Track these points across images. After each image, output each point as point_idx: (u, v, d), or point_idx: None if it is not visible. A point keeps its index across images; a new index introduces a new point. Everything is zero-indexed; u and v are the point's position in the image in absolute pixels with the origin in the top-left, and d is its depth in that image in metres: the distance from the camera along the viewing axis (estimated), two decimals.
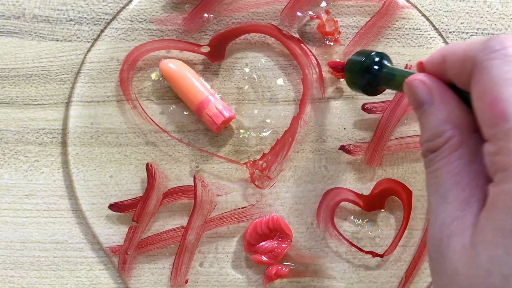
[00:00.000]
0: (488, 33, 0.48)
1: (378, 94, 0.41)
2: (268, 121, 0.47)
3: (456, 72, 0.29)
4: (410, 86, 0.32)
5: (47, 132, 0.47)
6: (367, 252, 0.46)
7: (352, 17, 0.47)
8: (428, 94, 0.31)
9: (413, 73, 0.34)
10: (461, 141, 0.29)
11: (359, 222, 0.47)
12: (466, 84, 0.29)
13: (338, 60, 0.47)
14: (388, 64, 0.39)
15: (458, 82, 0.30)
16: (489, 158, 0.27)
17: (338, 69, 0.45)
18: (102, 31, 0.47)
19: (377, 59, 0.39)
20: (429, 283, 0.46)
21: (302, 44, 0.47)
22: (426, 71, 0.32)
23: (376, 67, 0.39)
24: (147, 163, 0.46)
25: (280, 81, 0.47)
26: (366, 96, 0.47)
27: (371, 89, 0.40)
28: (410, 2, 0.47)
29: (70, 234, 0.47)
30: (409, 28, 0.47)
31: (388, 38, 0.47)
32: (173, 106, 0.47)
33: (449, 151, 0.29)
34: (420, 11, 0.47)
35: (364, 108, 0.46)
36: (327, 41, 0.47)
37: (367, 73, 0.39)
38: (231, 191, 0.47)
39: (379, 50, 0.47)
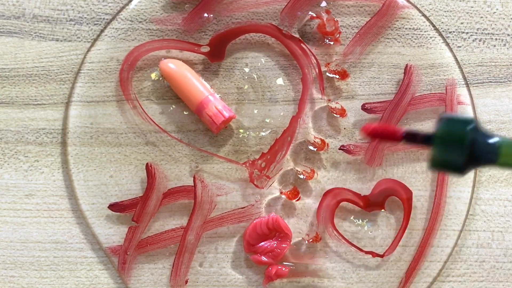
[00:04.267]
0: (488, 33, 0.48)
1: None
2: (268, 120, 0.47)
3: None
4: None
5: (47, 132, 0.47)
6: (367, 252, 0.46)
7: (352, 17, 0.47)
8: None
9: None
10: None
11: (359, 222, 0.47)
12: None
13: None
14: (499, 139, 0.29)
15: None
16: None
17: (394, 137, 0.31)
18: (102, 31, 0.47)
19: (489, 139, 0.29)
20: (429, 283, 0.46)
21: (302, 44, 0.47)
22: None
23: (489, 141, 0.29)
24: (147, 163, 0.46)
25: (280, 81, 0.47)
26: (366, 96, 0.47)
27: (468, 168, 0.30)
28: (410, 2, 0.47)
29: (70, 234, 0.47)
30: (409, 28, 0.47)
31: (388, 38, 0.47)
32: (173, 106, 0.47)
33: None
34: (420, 11, 0.47)
35: (364, 108, 0.46)
36: (327, 41, 0.47)
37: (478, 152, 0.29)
38: (231, 191, 0.47)
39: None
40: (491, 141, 0.29)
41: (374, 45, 0.47)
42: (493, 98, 0.48)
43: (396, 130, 0.31)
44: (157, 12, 0.47)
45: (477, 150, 0.29)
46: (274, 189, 0.47)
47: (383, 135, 0.31)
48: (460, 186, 0.46)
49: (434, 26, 0.47)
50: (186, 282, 0.46)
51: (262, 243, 0.46)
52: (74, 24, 0.47)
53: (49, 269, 0.47)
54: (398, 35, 0.47)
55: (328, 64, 0.47)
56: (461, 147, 0.29)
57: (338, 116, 0.47)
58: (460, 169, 0.29)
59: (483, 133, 0.29)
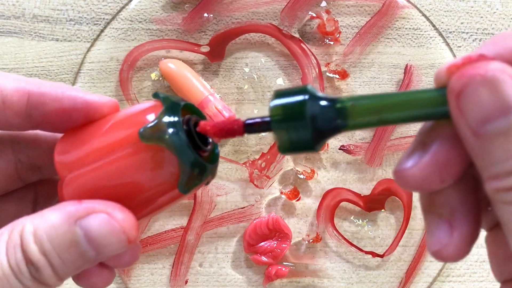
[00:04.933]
0: (488, 33, 0.48)
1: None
2: None
3: None
4: (495, 81, 0.19)
5: None
6: (367, 252, 0.46)
7: (352, 17, 0.47)
8: None
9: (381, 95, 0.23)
10: None
11: (359, 222, 0.47)
12: None
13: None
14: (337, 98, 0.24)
15: None
16: None
17: (236, 131, 0.26)
18: (102, 31, 0.47)
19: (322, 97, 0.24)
20: (429, 283, 0.46)
21: (302, 44, 0.47)
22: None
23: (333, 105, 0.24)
24: None
25: (280, 81, 0.47)
26: None
27: (320, 142, 0.24)
28: (410, 2, 0.47)
29: None
30: (409, 28, 0.47)
31: (388, 38, 0.47)
32: None
33: None
34: (420, 11, 0.47)
35: None
36: (327, 41, 0.47)
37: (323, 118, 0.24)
38: (231, 191, 0.47)
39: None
40: (335, 105, 0.24)
41: (374, 45, 0.47)
42: None
43: (235, 123, 0.26)
44: (157, 12, 0.47)
45: (322, 119, 0.24)
46: (274, 189, 0.47)
47: (224, 131, 0.26)
48: None
49: (434, 26, 0.47)
50: (186, 282, 0.46)
51: (262, 243, 0.46)
52: (74, 24, 0.47)
53: None
54: (398, 35, 0.47)
55: (328, 64, 0.47)
56: (303, 123, 0.23)
57: None
58: (312, 146, 0.24)
59: (323, 99, 0.24)
